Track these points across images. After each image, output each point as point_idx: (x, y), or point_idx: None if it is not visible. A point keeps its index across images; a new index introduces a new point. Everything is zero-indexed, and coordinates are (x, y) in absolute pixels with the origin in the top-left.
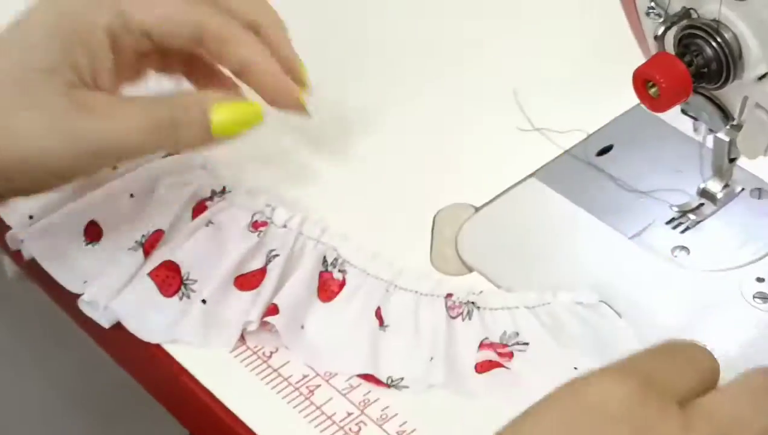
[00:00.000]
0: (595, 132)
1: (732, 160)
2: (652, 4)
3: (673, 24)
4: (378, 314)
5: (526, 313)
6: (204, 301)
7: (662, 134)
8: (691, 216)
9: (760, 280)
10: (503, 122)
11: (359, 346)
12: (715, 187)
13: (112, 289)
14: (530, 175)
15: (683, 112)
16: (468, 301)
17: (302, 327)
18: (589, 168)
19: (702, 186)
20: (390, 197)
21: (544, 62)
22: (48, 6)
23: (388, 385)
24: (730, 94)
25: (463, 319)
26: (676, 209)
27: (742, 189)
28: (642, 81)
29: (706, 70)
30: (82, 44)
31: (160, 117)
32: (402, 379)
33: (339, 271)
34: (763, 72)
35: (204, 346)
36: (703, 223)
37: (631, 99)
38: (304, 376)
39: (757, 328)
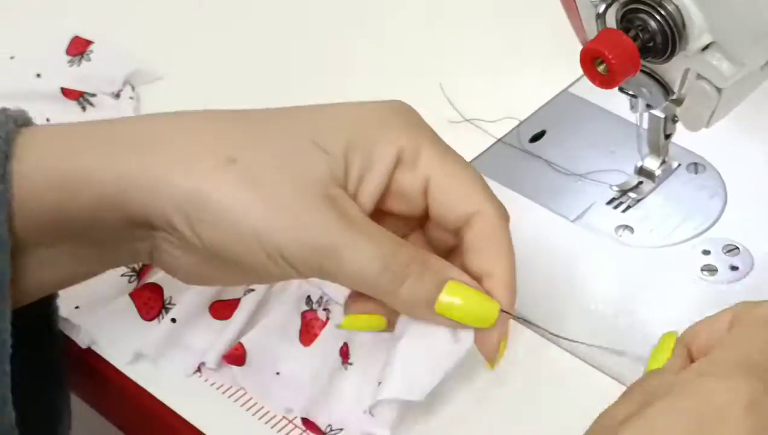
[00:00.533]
0: (526, 119)
1: (668, 137)
2: None
3: (613, 1)
4: (343, 351)
5: None
6: (173, 320)
7: (593, 116)
8: (631, 194)
9: (706, 252)
10: (433, 116)
11: (318, 386)
12: (652, 164)
13: (92, 308)
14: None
15: (621, 90)
16: None
17: (278, 374)
18: (524, 155)
19: (639, 164)
20: None
21: (466, 56)
22: None
23: (325, 433)
24: (671, 68)
25: None
26: (615, 189)
27: (679, 165)
28: (590, 58)
29: (651, 44)
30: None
31: (399, 261)
32: (341, 430)
33: (323, 309)
34: (706, 42)
35: (160, 363)
36: (643, 200)
37: (558, 84)
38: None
39: (707, 299)
